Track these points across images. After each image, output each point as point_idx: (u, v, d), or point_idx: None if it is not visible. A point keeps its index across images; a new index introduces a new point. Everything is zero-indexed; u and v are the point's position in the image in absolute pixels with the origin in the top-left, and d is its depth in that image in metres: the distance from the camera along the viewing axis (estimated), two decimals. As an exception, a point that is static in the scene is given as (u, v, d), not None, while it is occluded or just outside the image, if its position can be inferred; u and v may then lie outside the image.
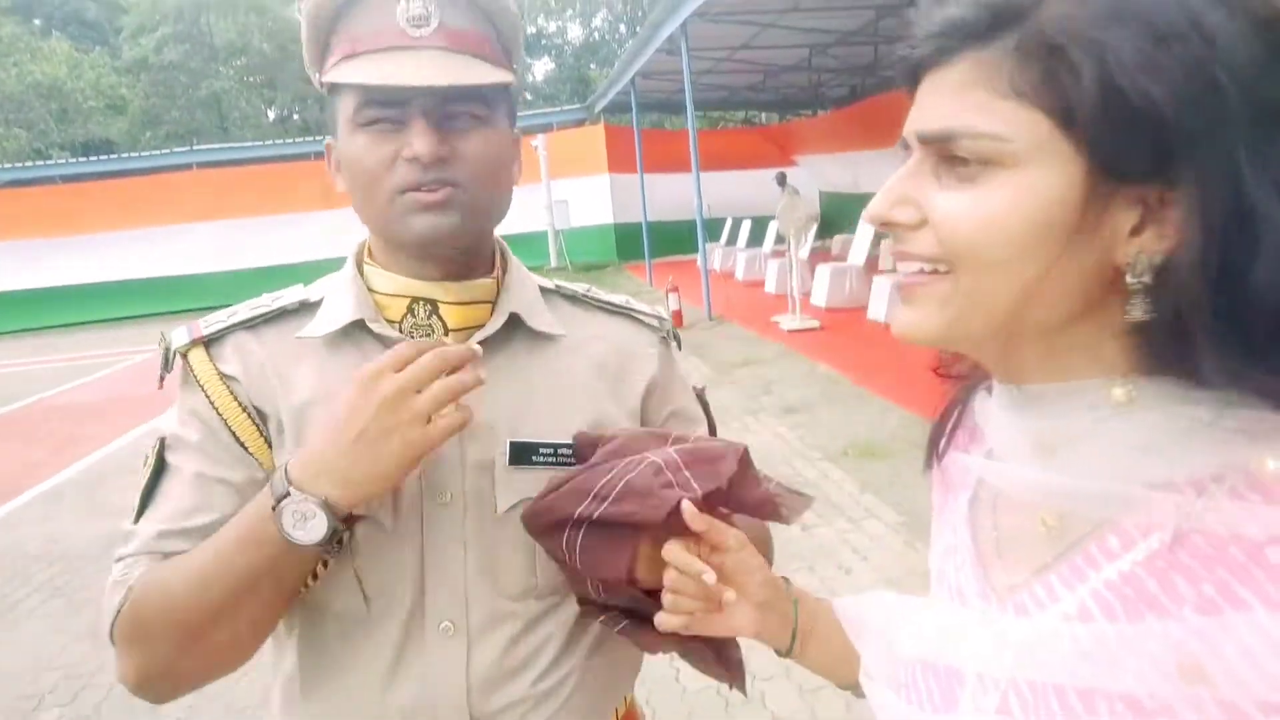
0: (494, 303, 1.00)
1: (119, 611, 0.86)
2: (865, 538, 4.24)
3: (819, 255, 13.29)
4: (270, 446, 0.93)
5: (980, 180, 0.54)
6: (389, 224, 0.91)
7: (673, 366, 1.12)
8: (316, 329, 0.96)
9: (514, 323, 1.00)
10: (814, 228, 10.24)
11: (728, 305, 11.70)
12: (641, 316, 1.12)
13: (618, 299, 1.13)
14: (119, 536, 0.93)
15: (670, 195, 17.39)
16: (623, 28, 36.68)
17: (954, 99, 0.55)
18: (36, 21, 32.13)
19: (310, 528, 0.81)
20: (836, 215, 17.10)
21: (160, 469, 0.94)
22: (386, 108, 0.89)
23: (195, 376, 0.95)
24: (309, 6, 0.91)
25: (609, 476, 0.83)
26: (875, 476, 5.02)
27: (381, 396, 0.81)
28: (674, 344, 1.15)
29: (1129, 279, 0.53)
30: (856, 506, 4.63)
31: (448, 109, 0.89)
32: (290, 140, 22.01)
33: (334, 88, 0.93)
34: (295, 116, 32.10)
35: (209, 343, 0.96)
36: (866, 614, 0.76)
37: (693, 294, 11.45)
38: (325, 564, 0.92)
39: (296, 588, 0.89)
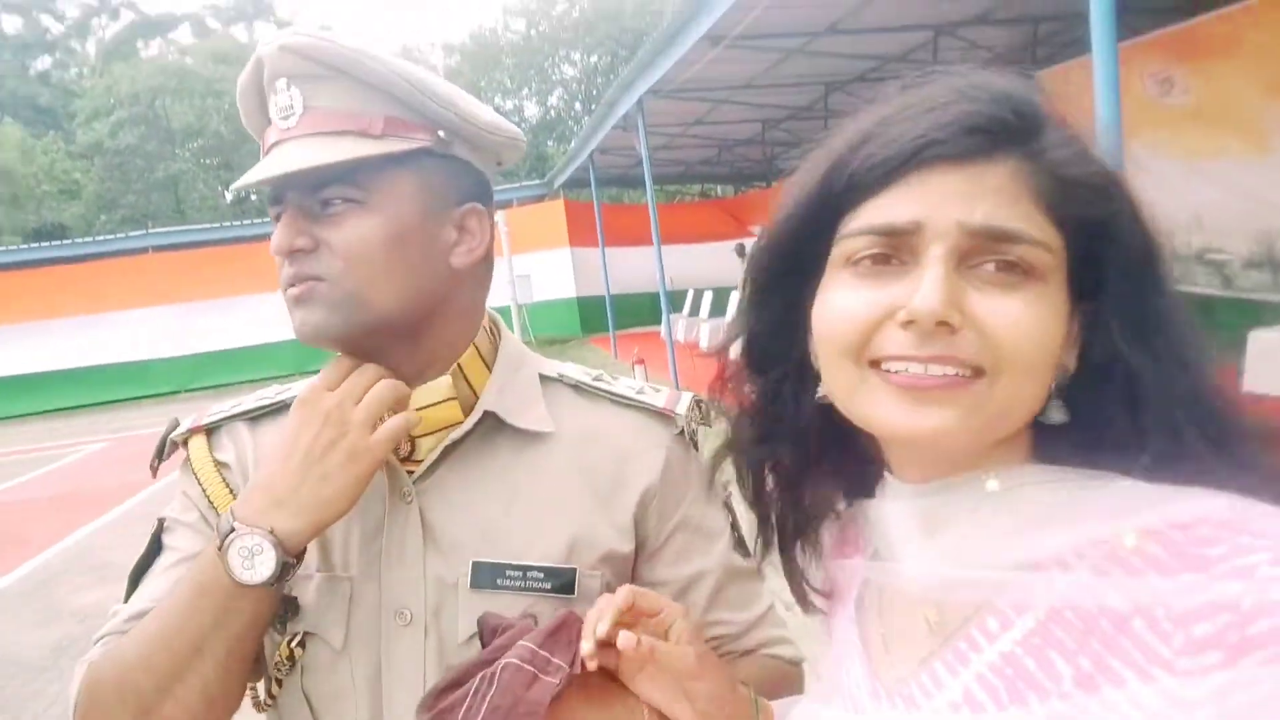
0: (467, 398, 0.93)
1: (80, 690, 0.83)
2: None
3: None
4: None
5: (1021, 289, 0.56)
6: None
7: (684, 469, 0.98)
8: None
9: (495, 422, 0.92)
10: (776, 297, 10.30)
11: (694, 377, 11.69)
12: (655, 409, 0.98)
13: (629, 388, 1.00)
14: (74, 641, 0.90)
15: (631, 268, 17.51)
16: (578, 105, 37.45)
17: (1003, 203, 0.56)
18: (-13, 108, 31.97)
19: (258, 564, 0.77)
20: (795, 283, 17.33)
21: (155, 550, 0.93)
22: (275, 205, 0.87)
23: (191, 464, 0.94)
24: (240, 107, 0.92)
25: (468, 703, 0.75)
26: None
27: (323, 411, 0.82)
28: (691, 442, 1.00)
29: (1053, 385, 0.59)
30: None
31: (321, 196, 0.85)
32: (248, 221, 21.88)
33: None
34: (253, 198, 32.00)
35: (210, 431, 0.97)
36: None
37: (658, 365, 11.45)
38: (279, 682, 0.89)
39: (249, 650, 0.83)
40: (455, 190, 0.91)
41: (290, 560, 0.78)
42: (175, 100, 29.71)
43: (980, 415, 0.57)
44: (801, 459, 0.71)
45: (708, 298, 16.65)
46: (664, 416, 0.98)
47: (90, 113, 30.61)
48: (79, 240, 22.09)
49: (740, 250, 15.11)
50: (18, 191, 27.94)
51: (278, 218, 0.86)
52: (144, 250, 19.43)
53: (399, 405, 0.87)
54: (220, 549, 0.77)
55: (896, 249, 0.58)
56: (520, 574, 0.88)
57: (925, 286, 0.55)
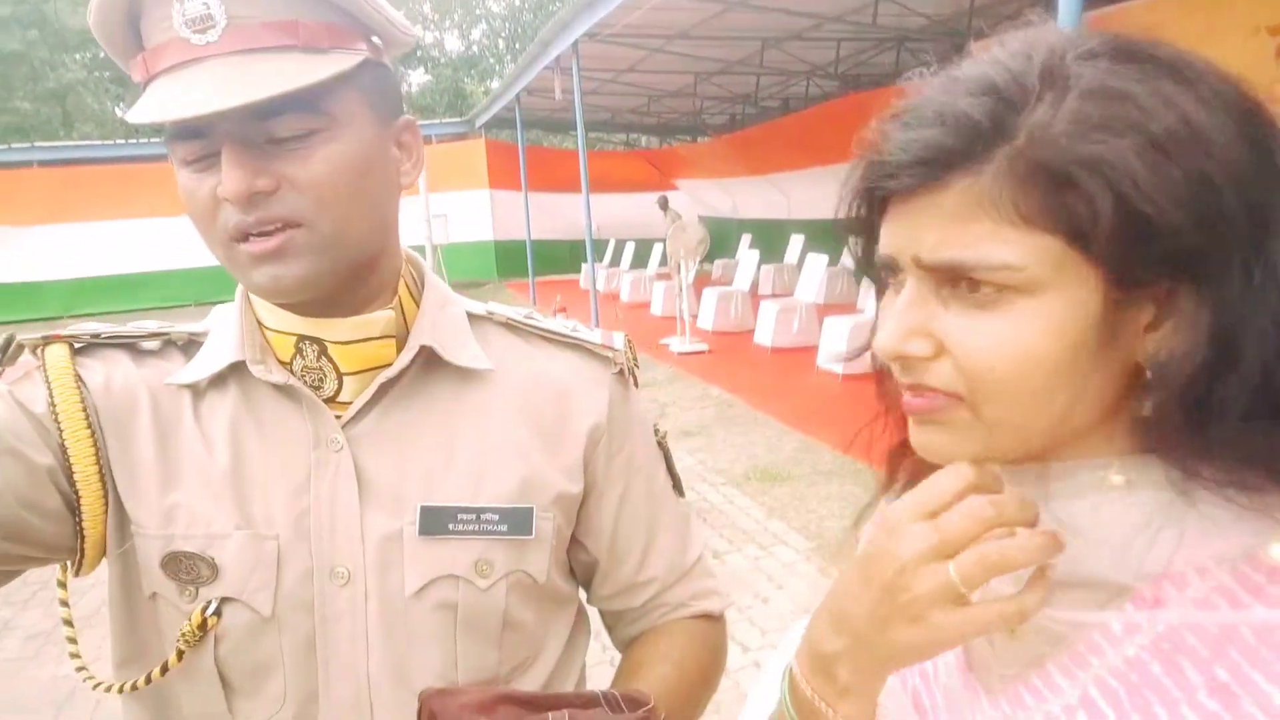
0: (401, 336, 0.85)
1: None
2: (777, 564, 4.24)
3: (700, 279, 13.49)
4: (102, 480, 0.78)
5: (1000, 306, 0.52)
6: (235, 276, 0.78)
7: (627, 408, 0.95)
8: (189, 374, 0.83)
9: (430, 358, 0.85)
10: (704, 251, 10.34)
11: (615, 327, 11.63)
12: (592, 347, 0.94)
13: (564, 326, 0.96)
14: None
15: (552, 215, 17.31)
16: (501, 42, 36.42)
17: (955, 228, 0.52)
18: None
19: None
20: (716, 240, 17.48)
21: None
22: (193, 140, 0.72)
23: (46, 369, 0.79)
24: (92, 21, 0.74)
25: None
26: (779, 501, 5.05)
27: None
28: (630, 380, 0.97)
29: (1149, 374, 0.52)
30: (765, 533, 4.64)
31: (268, 126, 0.72)
32: (142, 140, 20.47)
33: None
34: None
35: (77, 349, 0.82)
36: None
37: (579, 315, 11.38)
38: (180, 655, 0.78)
39: None
40: (392, 104, 0.82)
41: None
42: (69, 1, 27.54)
43: (976, 437, 0.55)
44: None
45: (629, 249, 16.61)
46: (602, 355, 0.94)
47: (-33, 10, 28.13)
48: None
49: (663, 202, 15.03)
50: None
51: (198, 157, 0.73)
52: (28, 164, 18.10)
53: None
54: None
55: (896, 274, 0.58)
56: (474, 516, 0.83)
57: (885, 324, 0.56)
